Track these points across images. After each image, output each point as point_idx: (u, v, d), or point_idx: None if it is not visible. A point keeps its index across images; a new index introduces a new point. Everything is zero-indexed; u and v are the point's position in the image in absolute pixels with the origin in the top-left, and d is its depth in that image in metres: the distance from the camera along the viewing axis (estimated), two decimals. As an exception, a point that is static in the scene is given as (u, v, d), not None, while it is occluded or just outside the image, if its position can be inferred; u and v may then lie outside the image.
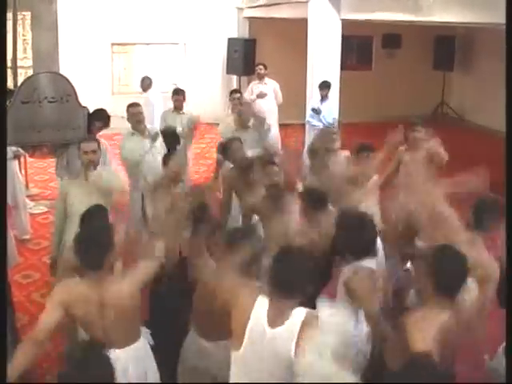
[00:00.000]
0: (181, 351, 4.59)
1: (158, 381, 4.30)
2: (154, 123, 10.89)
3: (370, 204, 5.77)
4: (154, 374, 4.26)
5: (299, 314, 3.36)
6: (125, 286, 3.97)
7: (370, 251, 4.28)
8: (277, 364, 3.35)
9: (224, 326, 3.75)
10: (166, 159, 6.44)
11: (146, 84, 11.91)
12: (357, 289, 4.02)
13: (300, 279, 3.38)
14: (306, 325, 3.32)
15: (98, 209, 4.93)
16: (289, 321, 3.33)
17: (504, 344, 3.84)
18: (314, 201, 5.22)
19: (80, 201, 5.56)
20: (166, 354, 4.51)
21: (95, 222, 4.63)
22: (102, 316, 3.93)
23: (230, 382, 3.55)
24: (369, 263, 4.23)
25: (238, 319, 3.44)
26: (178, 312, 4.75)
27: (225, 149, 6.91)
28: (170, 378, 4.61)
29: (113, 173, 6.18)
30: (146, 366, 4.20)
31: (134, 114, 7.57)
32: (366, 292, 4.01)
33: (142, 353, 4.19)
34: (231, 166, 6.83)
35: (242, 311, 3.43)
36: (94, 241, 3.92)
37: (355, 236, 4.25)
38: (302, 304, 3.46)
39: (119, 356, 3.90)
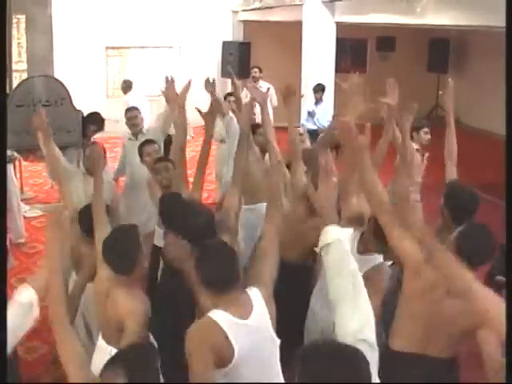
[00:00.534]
0: None
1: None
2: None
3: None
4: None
5: (256, 294, 3.35)
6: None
7: None
8: (269, 349, 3.35)
9: None
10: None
11: (125, 87, 11.93)
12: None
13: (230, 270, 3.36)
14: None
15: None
16: (255, 307, 3.30)
17: None
18: None
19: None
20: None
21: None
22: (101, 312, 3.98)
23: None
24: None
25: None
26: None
27: None
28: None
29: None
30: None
31: (130, 118, 7.55)
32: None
33: None
34: None
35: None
36: (126, 246, 3.92)
37: None
38: None
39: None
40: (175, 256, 4.36)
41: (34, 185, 11.06)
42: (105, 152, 6.04)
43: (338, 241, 2.99)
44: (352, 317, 2.81)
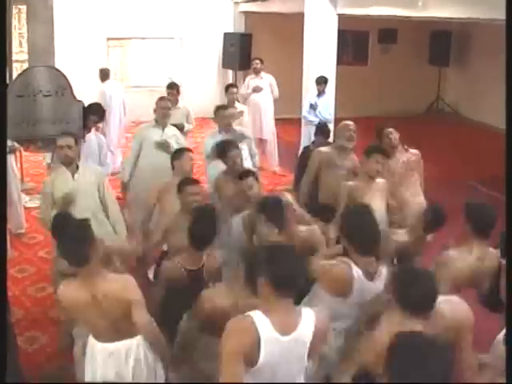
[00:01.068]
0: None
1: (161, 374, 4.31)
2: (111, 114, 11.04)
3: (377, 206, 5.70)
4: (156, 369, 4.28)
5: (309, 315, 3.33)
6: (119, 281, 4.00)
7: (372, 246, 4.21)
8: (294, 367, 3.34)
9: None
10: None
11: (102, 75, 11.97)
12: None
13: (298, 275, 3.34)
14: (318, 324, 3.31)
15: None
16: (301, 325, 3.26)
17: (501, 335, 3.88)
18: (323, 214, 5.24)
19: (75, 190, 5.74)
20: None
21: (72, 222, 4.64)
22: (95, 310, 3.96)
23: None
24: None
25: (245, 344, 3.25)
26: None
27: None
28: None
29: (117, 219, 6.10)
30: (146, 361, 4.21)
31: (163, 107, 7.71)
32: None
33: (140, 347, 4.19)
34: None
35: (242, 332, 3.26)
36: (74, 237, 3.96)
37: (357, 229, 4.21)
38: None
39: (109, 348, 4.02)
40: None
41: (34, 175, 11.05)
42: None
43: None
44: None
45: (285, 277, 3.25)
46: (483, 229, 4.59)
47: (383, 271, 4.18)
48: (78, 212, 5.44)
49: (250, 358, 3.17)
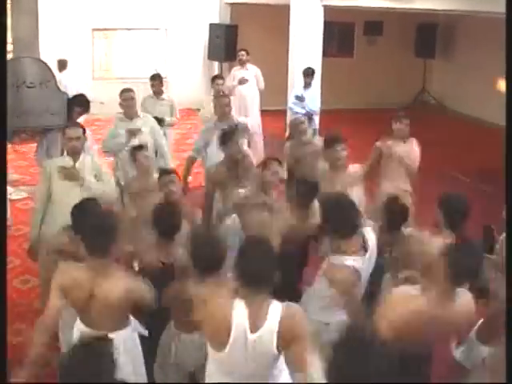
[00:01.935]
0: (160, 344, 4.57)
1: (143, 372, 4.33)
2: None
3: (354, 193, 5.74)
4: (139, 366, 4.30)
5: (276, 311, 3.36)
6: (123, 281, 3.99)
7: (354, 228, 4.31)
8: (260, 363, 3.40)
9: None
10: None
11: (60, 66, 11.93)
12: (340, 283, 4.16)
13: (267, 269, 3.35)
14: (284, 319, 3.34)
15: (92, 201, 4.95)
16: (268, 321, 3.32)
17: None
18: (306, 191, 5.24)
19: (64, 186, 5.59)
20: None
21: (99, 211, 4.63)
22: (91, 301, 3.97)
23: (206, 380, 3.57)
24: (357, 261, 4.27)
25: (217, 322, 3.39)
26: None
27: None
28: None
29: (107, 180, 6.00)
30: (132, 356, 4.22)
31: (126, 99, 7.60)
32: (348, 287, 4.15)
33: (128, 342, 4.20)
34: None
35: (219, 315, 3.38)
36: (103, 228, 3.94)
37: (337, 215, 4.31)
38: (282, 292, 3.48)
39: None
40: None
41: (18, 167, 10.99)
42: (84, 132, 6.04)
43: None
44: None
45: (252, 274, 3.32)
46: (453, 218, 4.65)
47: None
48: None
49: (219, 340, 3.29)
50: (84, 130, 6.01)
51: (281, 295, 3.44)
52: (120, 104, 7.64)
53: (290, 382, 3.55)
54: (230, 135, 6.47)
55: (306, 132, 7.63)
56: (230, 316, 3.31)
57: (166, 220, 4.70)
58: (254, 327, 3.31)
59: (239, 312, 3.32)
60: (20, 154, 11.40)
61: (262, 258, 3.34)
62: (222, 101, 7.96)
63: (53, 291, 3.96)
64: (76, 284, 3.96)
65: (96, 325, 4.03)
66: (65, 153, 6.21)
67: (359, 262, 4.26)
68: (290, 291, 4.40)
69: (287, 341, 3.32)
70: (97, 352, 2.81)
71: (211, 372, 3.57)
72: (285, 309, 3.37)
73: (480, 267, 3.75)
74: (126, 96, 7.58)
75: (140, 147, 6.48)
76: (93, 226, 3.99)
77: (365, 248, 4.35)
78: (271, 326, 3.32)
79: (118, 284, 3.94)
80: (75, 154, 5.82)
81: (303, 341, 3.32)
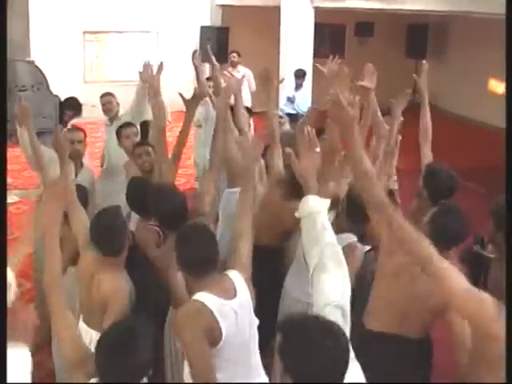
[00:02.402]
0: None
1: None
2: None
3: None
4: None
5: (238, 277, 3.39)
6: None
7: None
8: (247, 333, 3.38)
9: None
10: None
11: None
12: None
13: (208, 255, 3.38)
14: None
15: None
16: (238, 288, 3.34)
17: None
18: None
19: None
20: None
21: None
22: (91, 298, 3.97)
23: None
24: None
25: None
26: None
27: None
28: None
29: None
30: None
31: (105, 103, 7.53)
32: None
33: None
34: None
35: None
36: (113, 226, 3.94)
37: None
38: None
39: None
40: (143, 241, 4.39)
41: (11, 171, 10.92)
42: (85, 136, 6.03)
43: (317, 212, 2.99)
44: (332, 286, 2.86)
45: (194, 260, 3.33)
46: (439, 197, 4.54)
47: None
48: None
49: (213, 336, 3.20)
50: (85, 133, 6.02)
51: None
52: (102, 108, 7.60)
53: None
54: None
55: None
56: (207, 310, 3.22)
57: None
58: (230, 297, 3.30)
59: (208, 300, 3.24)
60: (12, 158, 11.35)
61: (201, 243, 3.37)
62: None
63: None
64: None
65: (93, 323, 4.02)
66: None
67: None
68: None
69: None
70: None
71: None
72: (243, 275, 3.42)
73: (465, 229, 3.77)
74: (104, 100, 7.54)
75: None
76: (104, 225, 3.97)
77: None
78: (243, 290, 3.36)
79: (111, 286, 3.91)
80: (76, 158, 5.80)
81: None
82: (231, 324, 3.24)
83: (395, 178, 6.53)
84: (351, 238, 4.29)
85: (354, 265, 4.01)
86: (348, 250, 3.97)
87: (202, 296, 3.23)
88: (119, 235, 3.93)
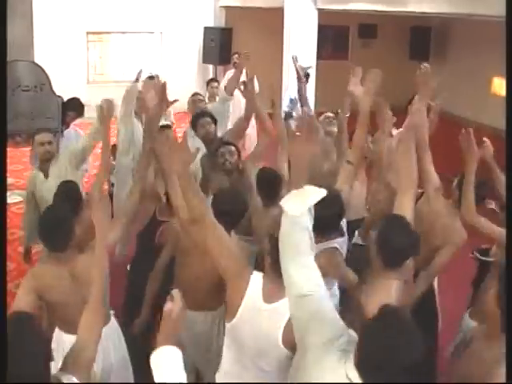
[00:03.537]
0: None
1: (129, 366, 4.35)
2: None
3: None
4: (125, 361, 4.31)
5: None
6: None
7: (335, 228, 4.21)
8: (267, 341, 3.27)
9: (211, 295, 4.10)
10: None
11: None
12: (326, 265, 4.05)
13: None
14: None
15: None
16: (285, 299, 3.18)
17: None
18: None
19: (47, 190, 5.59)
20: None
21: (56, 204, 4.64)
22: (75, 293, 3.92)
23: (223, 353, 3.51)
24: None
25: (232, 290, 3.36)
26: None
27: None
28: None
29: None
30: (119, 350, 4.24)
31: None
32: (336, 267, 4.13)
33: (114, 336, 4.22)
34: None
35: (236, 283, 3.35)
36: (55, 223, 3.93)
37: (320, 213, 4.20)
38: None
39: None
40: None
41: (13, 171, 10.97)
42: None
43: (292, 217, 2.92)
44: (301, 274, 2.86)
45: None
46: None
47: None
48: None
49: (233, 306, 3.31)
50: (54, 134, 6.04)
51: None
52: None
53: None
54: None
55: None
56: (244, 281, 3.31)
57: None
58: (270, 299, 3.26)
59: (255, 280, 3.32)
60: (14, 158, 11.38)
61: None
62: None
63: (21, 292, 3.87)
64: (55, 282, 3.95)
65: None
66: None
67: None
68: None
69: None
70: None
71: (225, 346, 3.51)
72: None
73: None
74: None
75: None
76: (47, 222, 4.00)
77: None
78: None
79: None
80: (47, 159, 5.81)
81: None
82: (249, 316, 3.33)
83: None
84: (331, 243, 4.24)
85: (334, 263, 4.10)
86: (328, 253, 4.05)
87: (256, 275, 3.36)
88: (63, 231, 3.92)
